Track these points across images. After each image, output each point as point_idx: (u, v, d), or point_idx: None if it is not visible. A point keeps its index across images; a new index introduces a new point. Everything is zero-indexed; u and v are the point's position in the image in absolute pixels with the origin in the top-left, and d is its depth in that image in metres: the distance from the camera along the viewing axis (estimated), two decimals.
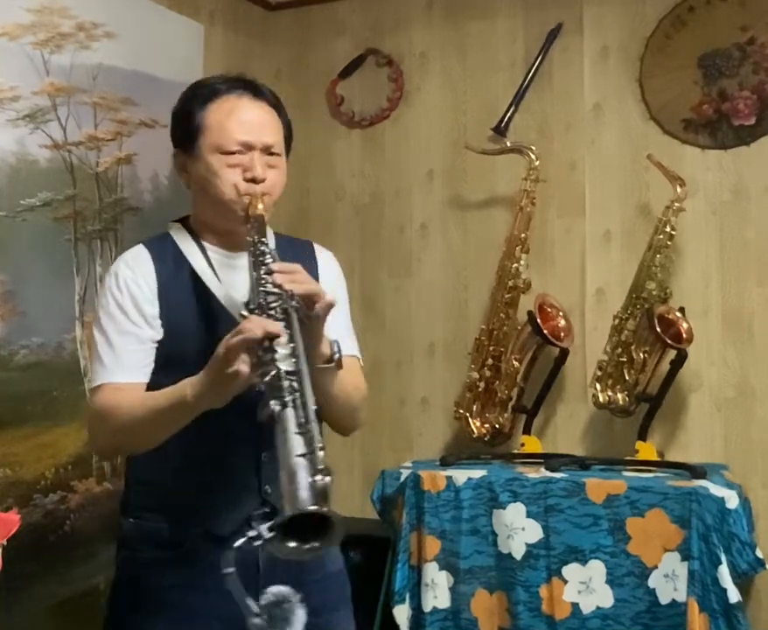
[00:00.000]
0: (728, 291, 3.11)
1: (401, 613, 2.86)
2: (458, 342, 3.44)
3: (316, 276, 1.81)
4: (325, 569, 1.80)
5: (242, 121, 1.73)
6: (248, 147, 1.71)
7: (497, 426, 3.20)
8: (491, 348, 3.19)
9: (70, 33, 2.75)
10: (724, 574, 2.54)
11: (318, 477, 1.31)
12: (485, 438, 3.21)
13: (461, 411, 3.23)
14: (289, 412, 1.39)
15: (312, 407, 1.40)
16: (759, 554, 2.65)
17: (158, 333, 1.72)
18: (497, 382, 3.19)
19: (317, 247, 1.92)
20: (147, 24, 3.04)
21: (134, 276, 1.73)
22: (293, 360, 1.45)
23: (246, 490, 1.70)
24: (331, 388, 1.72)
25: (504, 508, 2.80)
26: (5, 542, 1.51)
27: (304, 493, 1.30)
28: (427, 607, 2.83)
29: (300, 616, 1.39)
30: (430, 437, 3.47)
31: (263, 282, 1.56)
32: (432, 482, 2.89)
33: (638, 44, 3.22)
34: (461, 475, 2.88)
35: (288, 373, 1.43)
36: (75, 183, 2.78)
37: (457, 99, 3.49)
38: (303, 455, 1.34)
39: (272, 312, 1.51)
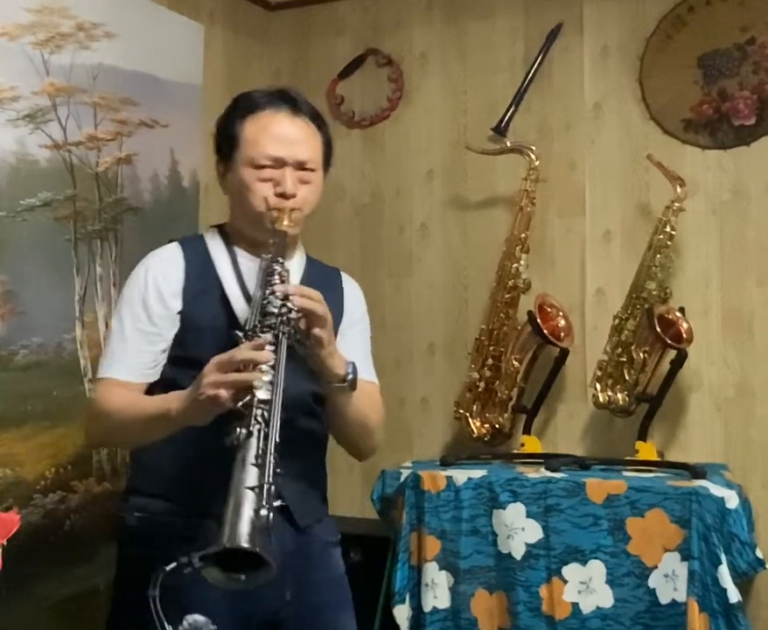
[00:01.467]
0: (728, 291, 3.11)
1: (401, 613, 2.85)
2: (458, 342, 3.44)
3: (341, 303, 1.88)
4: (330, 572, 1.84)
5: (276, 136, 1.77)
6: (281, 162, 1.76)
7: (497, 426, 3.20)
8: (491, 348, 3.19)
9: (70, 33, 2.75)
10: (724, 574, 2.54)
11: (263, 512, 1.34)
12: (485, 438, 3.21)
13: (461, 411, 3.23)
14: (252, 442, 1.42)
15: (275, 439, 1.43)
16: (759, 554, 2.64)
17: (173, 331, 1.75)
18: (497, 382, 3.19)
19: (344, 275, 1.97)
20: (147, 24, 3.04)
21: (163, 270, 1.78)
22: (269, 388, 1.48)
23: None
24: (347, 409, 1.78)
25: (504, 508, 2.80)
26: (5, 542, 1.50)
27: (244, 528, 1.32)
28: (427, 607, 2.83)
29: None
30: (430, 437, 3.47)
31: (265, 302, 1.59)
32: (432, 482, 2.89)
33: (638, 44, 3.22)
34: (461, 475, 2.88)
35: (260, 401, 1.46)
36: (75, 183, 2.78)
37: (457, 99, 3.49)
38: (252, 488, 1.37)
39: (263, 335, 1.54)
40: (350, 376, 1.70)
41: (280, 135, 1.77)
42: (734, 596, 2.53)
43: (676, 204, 3.01)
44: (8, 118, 2.56)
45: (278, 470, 1.41)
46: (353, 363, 1.72)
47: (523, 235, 3.15)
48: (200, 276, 1.79)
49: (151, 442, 1.67)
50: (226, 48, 3.48)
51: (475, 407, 3.21)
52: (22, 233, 2.60)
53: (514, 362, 3.14)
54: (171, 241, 1.87)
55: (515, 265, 3.15)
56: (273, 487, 1.38)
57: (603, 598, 2.68)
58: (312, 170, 1.80)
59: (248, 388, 1.47)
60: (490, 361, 3.19)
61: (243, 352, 1.50)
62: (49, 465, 2.65)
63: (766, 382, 3.06)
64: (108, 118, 2.89)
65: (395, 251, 3.57)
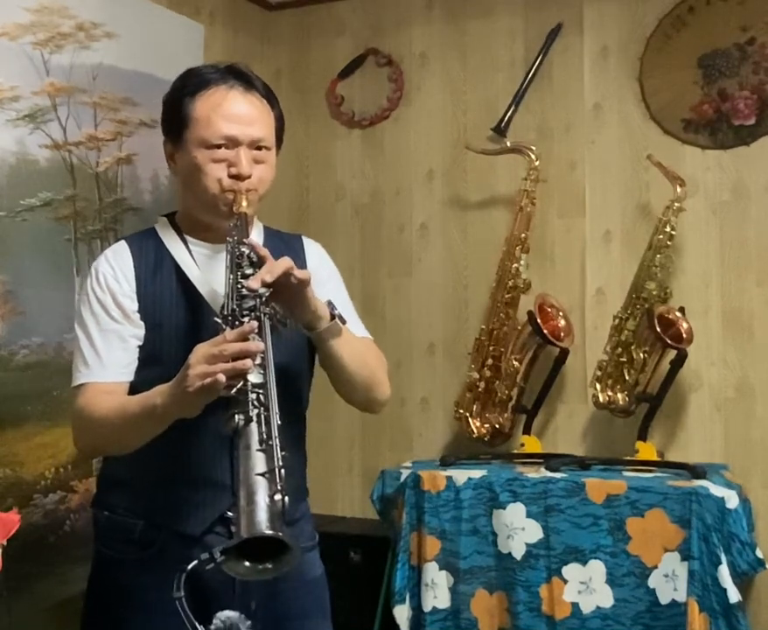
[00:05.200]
0: (728, 291, 3.11)
1: (401, 613, 2.86)
2: (458, 342, 3.44)
3: (304, 267, 1.78)
4: (303, 576, 1.75)
5: (229, 115, 1.68)
6: (235, 142, 1.68)
7: (497, 426, 3.20)
8: (491, 348, 3.19)
9: (70, 33, 2.76)
10: (724, 574, 2.54)
11: (277, 497, 1.31)
12: (485, 438, 3.21)
13: (461, 411, 3.23)
14: (253, 427, 1.40)
15: (277, 422, 1.40)
16: (759, 554, 2.64)
17: (140, 329, 1.71)
18: (497, 382, 3.18)
19: (305, 240, 1.91)
20: (147, 24, 3.04)
21: (113, 272, 1.72)
22: (261, 371, 1.45)
23: (218, 489, 1.67)
24: (343, 354, 1.70)
25: (504, 508, 2.80)
26: (5, 542, 1.50)
27: (261, 516, 1.30)
28: (427, 607, 2.83)
29: None
30: (430, 437, 3.47)
31: (239, 286, 1.55)
32: (432, 482, 2.89)
33: (638, 44, 3.22)
34: (461, 475, 2.88)
35: (255, 385, 1.43)
36: (75, 183, 2.78)
37: (457, 99, 3.49)
38: (262, 474, 1.34)
39: (245, 320, 1.50)
40: (335, 310, 1.67)
41: (234, 113, 1.68)
42: (734, 596, 2.53)
43: (676, 204, 3.01)
44: (8, 118, 2.56)
45: (284, 452, 1.37)
46: (330, 301, 1.68)
47: (523, 235, 3.15)
48: (154, 271, 1.73)
49: (141, 444, 1.61)
50: (226, 48, 3.48)
51: (475, 407, 3.21)
52: (22, 233, 2.60)
53: (514, 362, 3.14)
54: (119, 238, 1.81)
55: (515, 265, 3.15)
56: (282, 470, 1.34)
57: (603, 598, 2.68)
58: (267, 148, 1.72)
59: (240, 375, 1.43)
60: (490, 361, 3.19)
61: (233, 345, 1.45)
62: (49, 465, 2.65)
63: (766, 382, 3.06)
64: (108, 118, 2.89)
65: (395, 251, 3.57)
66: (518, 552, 2.77)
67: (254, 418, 1.40)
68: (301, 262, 1.81)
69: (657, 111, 3.20)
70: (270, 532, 1.29)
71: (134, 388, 1.69)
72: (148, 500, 1.70)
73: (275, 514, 1.31)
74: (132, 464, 1.67)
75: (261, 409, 1.41)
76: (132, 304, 1.71)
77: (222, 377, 1.42)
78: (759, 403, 3.07)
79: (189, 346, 1.54)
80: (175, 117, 1.73)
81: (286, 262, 1.58)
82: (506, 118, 3.36)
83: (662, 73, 3.18)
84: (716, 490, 2.64)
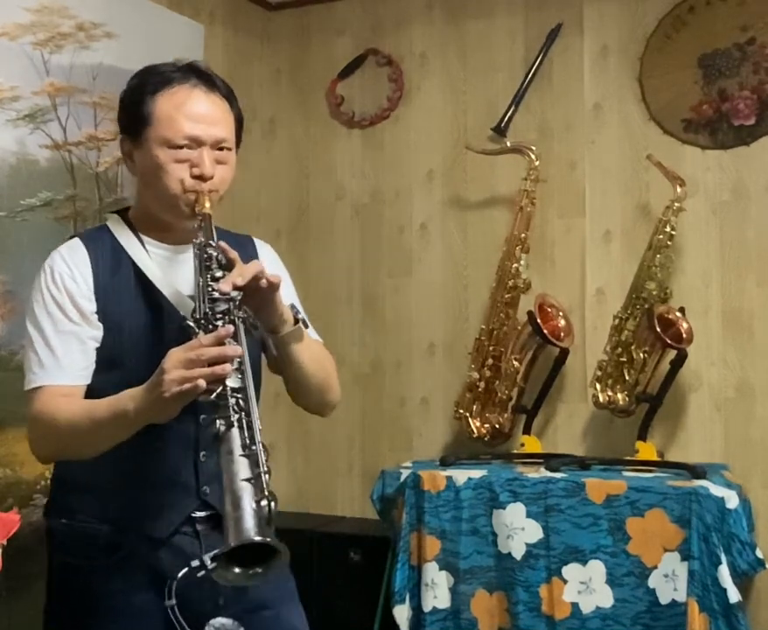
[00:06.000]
0: (728, 291, 3.11)
1: (401, 613, 2.85)
2: (458, 342, 3.44)
3: None
4: None
5: (193, 114, 1.66)
6: (198, 142, 1.65)
7: (497, 426, 3.20)
8: (491, 348, 3.19)
9: (70, 33, 2.76)
10: (724, 574, 2.54)
11: (264, 502, 1.32)
12: (485, 438, 3.20)
13: (461, 411, 3.23)
14: (235, 432, 1.39)
15: (258, 427, 1.40)
16: (759, 554, 2.64)
17: (99, 330, 1.66)
18: (497, 382, 3.18)
19: (257, 241, 1.90)
20: (147, 24, 3.04)
21: (70, 271, 1.67)
22: (239, 375, 1.44)
23: (184, 490, 1.65)
24: (303, 357, 1.70)
25: (504, 508, 2.80)
26: (5, 542, 1.50)
27: (249, 522, 1.30)
28: (427, 607, 2.83)
29: None
30: (430, 437, 3.47)
31: (210, 289, 1.53)
32: (432, 482, 2.89)
33: (638, 44, 3.22)
34: (461, 475, 2.88)
35: (234, 390, 1.42)
36: (75, 183, 2.78)
37: (457, 99, 3.49)
38: (247, 479, 1.34)
39: (219, 323, 1.49)
40: (299, 315, 1.67)
41: (197, 113, 1.65)
42: (734, 596, 2.53)
43: (676, 204, 3.01)
44: (8, 118, 2.56)
45: (266, 456, 1.38)
46: (292, 304, 1.68)
47: (523, 235, 3.15)
48: (112, 270, 1.68)
49: (107, 448, 1.57)
50: (226, 48, 3.48)
51: (475, 407, 3.21)
52: (22, 233, 2.60)
53: (514, 362, 3.14)
54: (71, 236, 1.75)
55: (515, 265, 3.15)
56: (267, 475, 1.35)
57: (603, 598, 2.68)
58: (229, 149, 1.69)
59: (220, 380, 1.42)
60: (490, 361, 3.19)
61: (210, 349, 1.43)
62: (49, 465, 2.65)
63: (766, 382, 3.06)
64: (108, 118, 2.89)
65: (395, 251, 3.57)
66: (518, 552, 2.77)
67: (236, 423, 1.40)
68: None
69: (657, 111, 3.20)
70: (259, 538, 1.29)
71: (91, 391, 1.64)
72: (112, 503, 1.66)
73: (262, 519, 1.31)
74: (91, 467, 1.61)
75: (242, 413, 1.41)
76: (90, 305, 1.66)
77: (203, 383, 1.40)
78: (759, 403, 3.07)
79: (150, 349, 1.53)
80: (135, 115, 1.69)
81: (256, 266, 1.58)
82: (506, 118, 3.36)
83: (662, 73, 3.18)
84: (716, 490, 2.64)
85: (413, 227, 3.54)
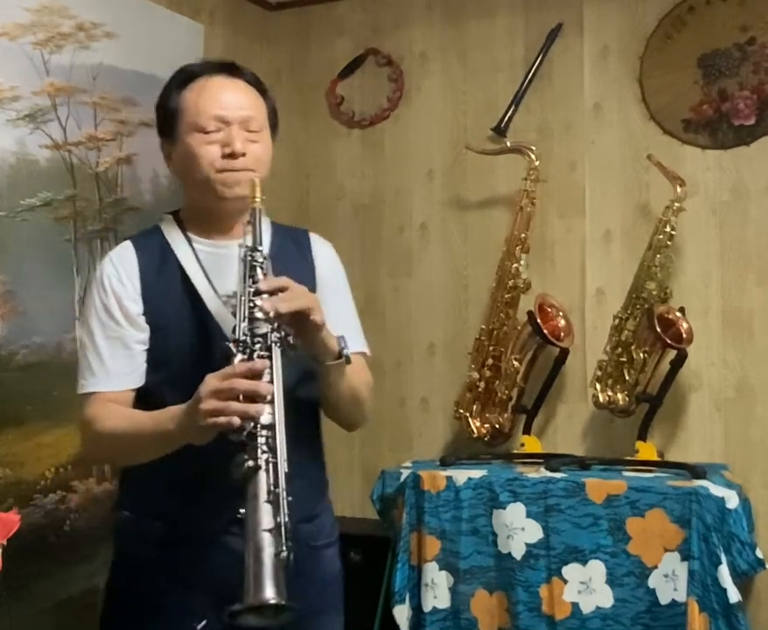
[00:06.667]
0: (728, 291, 3.11)
1: (401, 613, 2.85)
2: (458, 342, 3.44)
3: (312, 268, 1.80)
4: (319, 573, 1.77)
5: (216, 96, 1.70)
6: (225, 121, 1.68)
7: (497, 426, 3.20)
8: (491, 348, 3.19)
9: (70, 33, 2.75)
10: (724, 574, 2.54)
11: (283, 554, 1.36)
12: (485, 438, 3.21)
13: (461, 411, 3.23)
14: (262, 476, 1.41)
15: (284, 469, 1.41)
16: (759, 554, 2.64)
17: (145, 333, 1.69)
18: (497, 382, 3.18)
19: (312, 236, 1.89)
20: (147, 24, 3.04)
21: (117, 274, 1.70)
22: (269, 410, 1.45)
23: (232, 491, 1.65)
24: (340, 385, 1.71)
25: (504, 508, 2.80)
26: (5, 542, 1.51)
27: (267, 580, 1.34)
28: (427, 607, 2.83)
29: None
30: (430, 437, 3.47)
31: (252, 306, 1.53)
32: (432, 482, 2.89)
33: (638, 44, 3.22)
34: (461, 475, 2.88)
35: (264, 426, 1.44)
36: (75, 183, 2.78)
37: (457, 99, 3.49)
38: (269, 530, 1.38)
39: (257, 347, 1.49)
40: (345, 350, 1.65)
41: (220, 94, 1.70)
42: (734, 596, 2.53)
43: (676, 204, 3.01)
44: (8, 118, 2.56)
45: (290, 500, 1.40)
46: (342, 336, 1.66)
47: (523, 235, 3.15)
48: (160, 271, 1.71)
49: (150, 459, 1.62)
50: (226, 48, 3.48)
51: (475, 407, 3.21)
52: (22, 233, 2.60)
53: (514, 362, 3.14)
54: (125, 238, 1.79)
55: (515, 265, 3.15)
56: (289, 523, 1.38)
57: (603, 598, 2.68)
58: (257, 130, 1.71)
59: (251, 418, 1.44)
60: (490, 361, 3.19)
61: (243, 382, 1.44)
62: (49, 465, 2.65)
63: (766, 382, 3.06)
64: (108, 118, 2.89)
65: (395, 251, 3.57)
66: (518, 552, 2.77)
67: (263, 465, 1.42)
68: (308, 261, 1.81)
69: (657, 111, 3.20)
70: (275, 600, 1.34)
71: (144, 390, 1.69)
72: (166, 501, 1.69)
73: (279, 572, 1.35)
74: (149, 466, 1.66)
75: (270, 455, 1.42)
76: (137, 307, 1.69)
77: (237, 420, 1.42)
78: (759, 403, 3.07)
79: (195, 349, 1.55)
80: (166, 113, 1.73)
81: (307, 300, 1.57)
82: (506, 118, 3.36)
83: (662, 73, 3.18)
84: (716, 490, 2.64)
85: (413, 227, 3.54)
